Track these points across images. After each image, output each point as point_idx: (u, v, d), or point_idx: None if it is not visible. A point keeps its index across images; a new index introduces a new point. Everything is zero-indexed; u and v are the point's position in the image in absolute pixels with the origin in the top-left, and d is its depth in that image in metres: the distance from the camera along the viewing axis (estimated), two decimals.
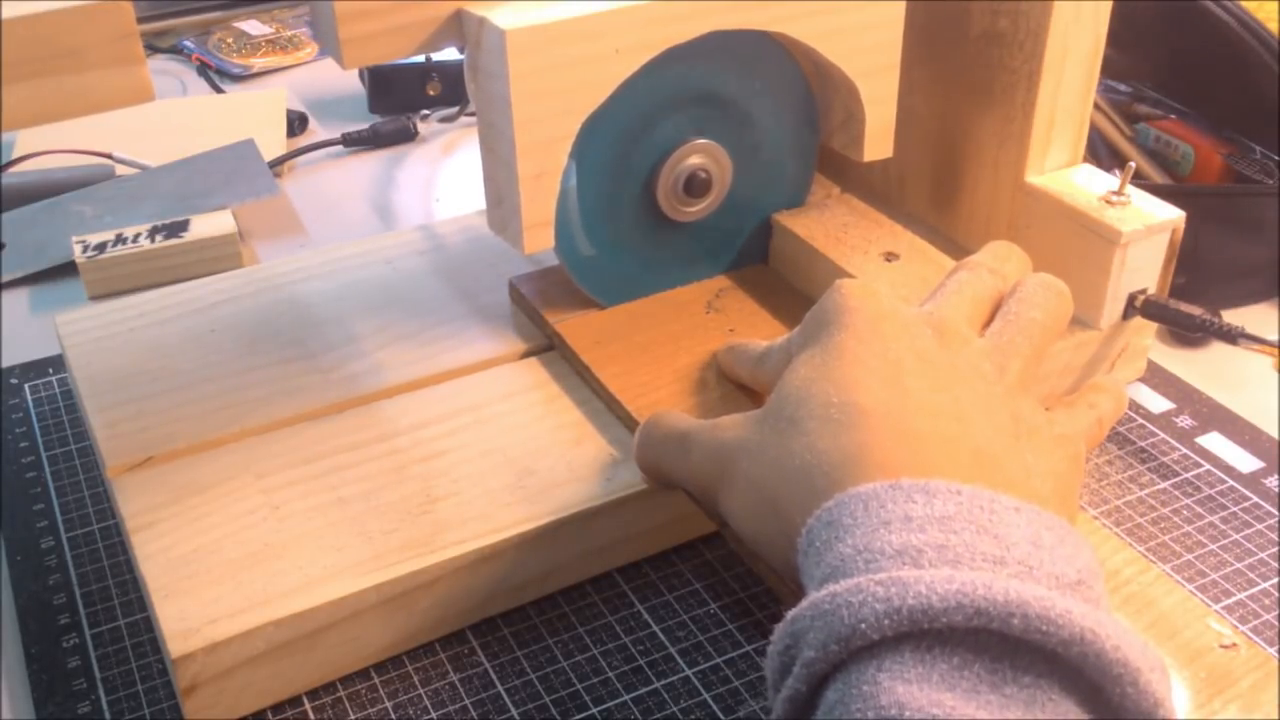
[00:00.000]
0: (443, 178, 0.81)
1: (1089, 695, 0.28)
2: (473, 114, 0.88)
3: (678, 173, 0.53)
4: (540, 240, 0.50)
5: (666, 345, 0.53)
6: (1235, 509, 0.50)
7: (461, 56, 0.88)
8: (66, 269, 0.69)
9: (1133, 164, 0.52)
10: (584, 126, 0.48)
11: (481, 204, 0.68)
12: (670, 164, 0.53)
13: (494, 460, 0.48)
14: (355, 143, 0.84)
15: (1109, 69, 0.70)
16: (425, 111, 0.89)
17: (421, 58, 0.88)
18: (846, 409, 0.36)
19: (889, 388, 0.36)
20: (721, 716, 0.42)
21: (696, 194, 0.54)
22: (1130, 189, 0.52)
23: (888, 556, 0.30)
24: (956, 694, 0.27)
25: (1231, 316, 0.55)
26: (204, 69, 0.97)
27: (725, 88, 0.53)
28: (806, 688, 0.29)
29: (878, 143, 0.55)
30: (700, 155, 0.54)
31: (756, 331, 0.53)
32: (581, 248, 0.54)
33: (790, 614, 0.30)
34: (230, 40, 1.01)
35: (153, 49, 1.00)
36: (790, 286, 0.57)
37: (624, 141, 0.52)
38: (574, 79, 0.47)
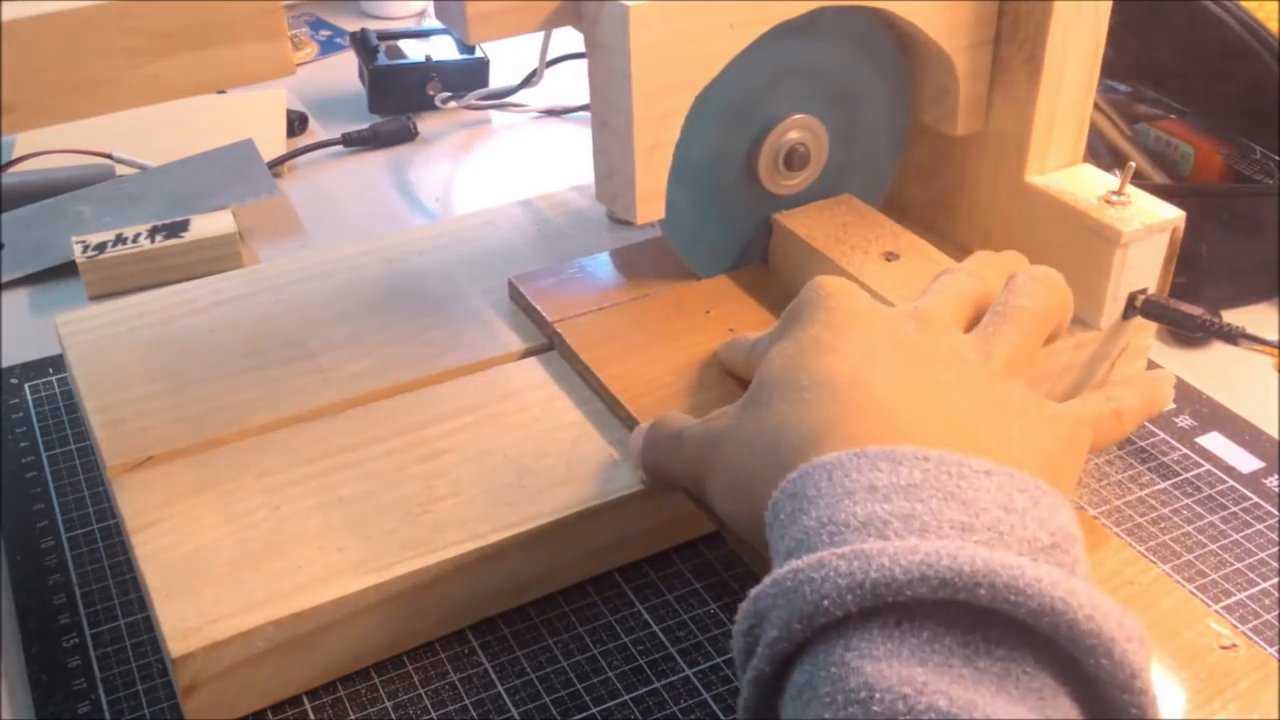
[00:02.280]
0: (443, 178, 0.81)
1: (1065, 665, 0.27)
2: (478, 106, 0.88)
3: (779, 146, 0.55)
4: (652, 211, 0.52)
5: (666, 345, 0.53)
6: (1235, 509, 0.50)
7: (462, 56, 0.88)
8: (66, 269, 0.69)
9: (1133, 164, 0.52)
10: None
11: (481, 204, 0.69)
12: (773, 138, 0.55)
13: (494, 460, 0.48)
14: (355, 143, 0.84)
15: (1109, 69, 0.70)
16: (445, 94, 0.87)
17: (422, 57, 0.88)
18: (816, 389, 0.35)
19: (861, 368, 0.36)
20: (721, 716, 0.42)
21: (795, 168, 0.56)
22: (1130, 189, 0.52)
23: (852, 529, 0.29)
24: (928, 669, 0.26)
25: (1231, 316, 0.55)
26: None
27: (827, 64, 0.54)
28: (770, 668, 0.29)
29: (971, 116, 0.56)
30: (800, 130, 0.55)
31: (756, 331, 0.53)
32: (684, 218, 0.55)
33: (753, 592, 0.30)
34: None
35: None
36: (790, 286, 0.57)
37: (729, 115, 0.53)
38: (690, 53, 0.49)
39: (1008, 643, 0.27)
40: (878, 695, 0.26)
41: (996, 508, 0.30)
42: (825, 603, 0.27)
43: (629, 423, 0.49)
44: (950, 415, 0.34)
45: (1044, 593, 0.27)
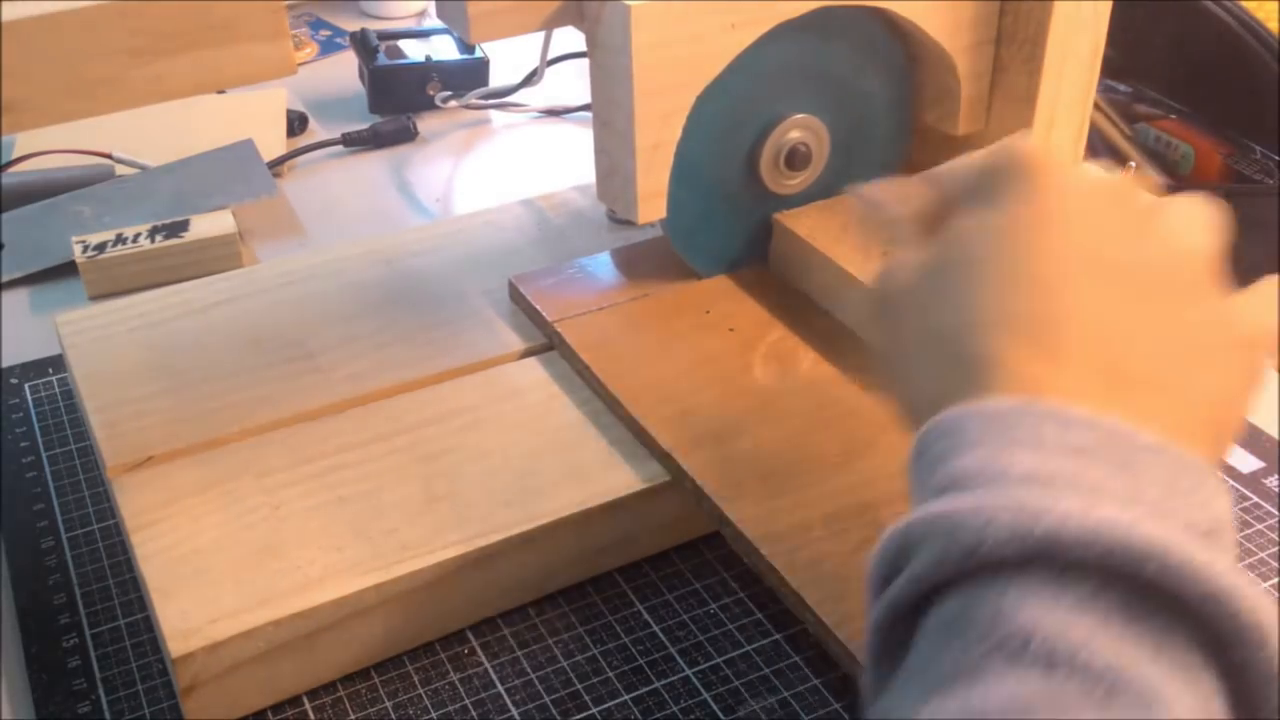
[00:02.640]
0: (443, 178, 0.81)
1: (1212, 652, 0.27)
2: (478, 106, 0.88)
3: (780, 145, 0.55)
4: (653, 210, 0.52)
5: (666, 345, 0.53)
6: (1235, 509, 0.50)
7: (462, 56, 0.88)
8: (66, 269, 0.69)
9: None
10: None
11: (482, 204, 0.69)
12: (774, 137, 0.55)
13: (494, 460, 0.48)
14: (355, 143, 0.84)
15: (1109, 69, 0.70)
16: (445, 93, 0.87)
17: (422, 57, 0.88)
18: (1009, 285, 0.33)
19: (1062, 281, 0.33)
20: (721, 716, 0.42)
21: (797, 167, 0.56)
22: None
23: (1014, 480, 0.29)
24: (1087, 621, 0.26)
25: None
26: None
27: (828, 64, 0.55)
28: (911, 597, 0.28)
29: (972, 116, 0.56)
30: (801, 129, 0.55)
31: (757, 331, 0.53)
32: (684, 218, 0.55)
33: (901, 525, 0.29)
34: None
35: None
36: (790, 287, 0.57)
37: (730, 114, 0.54)
38: (691, 53, 0.49)
39: (1163, 616, 0.27)
40: (1035, 641, 0.26)
41: (1161, 485, 0.29)
42: (985, 547, 0.27)
43: (629, 423, 0.49)
44: (1128, 370, 0.32)
45: (1214, 578, 0.26)
